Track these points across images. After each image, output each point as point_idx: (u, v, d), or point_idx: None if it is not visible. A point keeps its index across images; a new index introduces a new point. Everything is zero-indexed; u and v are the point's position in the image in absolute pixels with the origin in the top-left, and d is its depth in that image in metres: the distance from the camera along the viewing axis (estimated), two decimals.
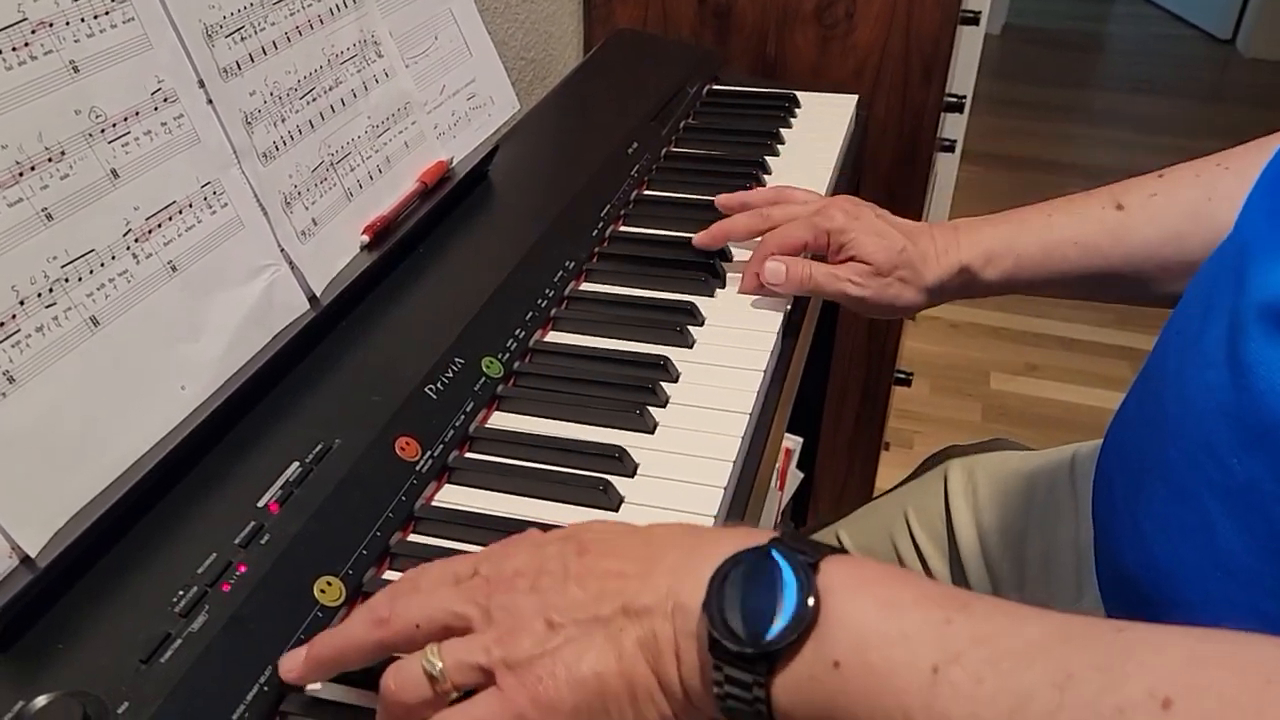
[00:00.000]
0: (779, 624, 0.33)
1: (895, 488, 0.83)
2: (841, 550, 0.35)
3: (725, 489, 0.54)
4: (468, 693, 0.38)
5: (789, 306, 0.70)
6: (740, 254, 0.75)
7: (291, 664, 0.41)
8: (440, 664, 0.37)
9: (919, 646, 0.31)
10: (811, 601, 0.33)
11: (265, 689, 0.41)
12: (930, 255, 0.66)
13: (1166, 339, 0.49)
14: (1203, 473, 0.41)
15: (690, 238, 0.76)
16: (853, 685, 0.32)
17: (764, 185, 0.87)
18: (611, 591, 0.36)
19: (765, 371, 0.64)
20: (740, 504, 0.56)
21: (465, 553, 0.43)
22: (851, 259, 0.67)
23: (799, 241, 0.68)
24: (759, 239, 0.71)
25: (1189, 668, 0.28)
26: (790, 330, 0.70)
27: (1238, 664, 0.28)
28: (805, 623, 0.32)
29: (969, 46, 1.98)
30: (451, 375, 0.58)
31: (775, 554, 0.34)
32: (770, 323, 0.68)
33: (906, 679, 0.31)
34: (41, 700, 0.38)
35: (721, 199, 0.74)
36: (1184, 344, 0.46)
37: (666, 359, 0.63)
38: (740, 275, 0.71)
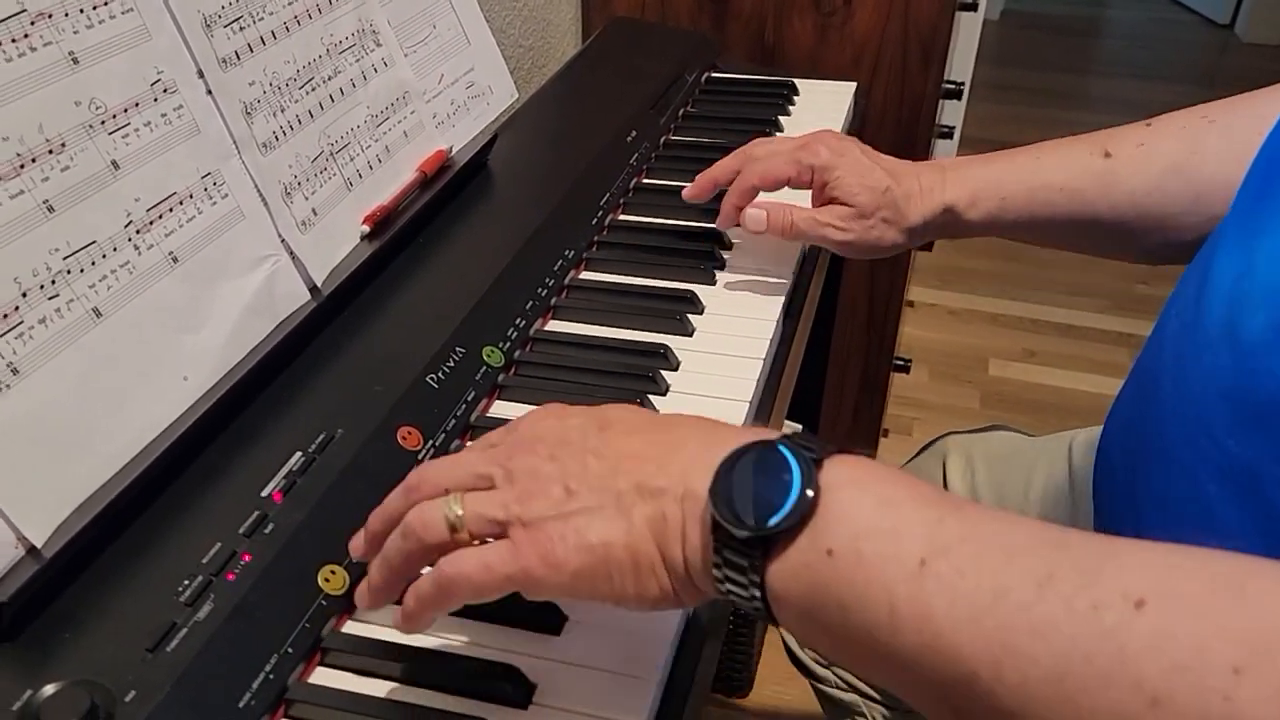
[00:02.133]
0: (778, 512, 0.34)
1: None
2: (848, 451, 0.36)
3: None
4: None
5: (788, 293, 0.71)
6: (740, 240, 0.75)
7: (355, 543, 0.44)
8: (460, 512, 0.39)
9: (909, 540, 0.32)
10: (811, 493, 0.34)
11: (271, 677, 0.42)
12: (914, 194, 0.66)
13: (1165, 321, 0.49)
14: (1201, 454, 0.42)
15: (691, 226, 0.76)
16: (844, 572, 0.33)
17: None
18: (628, 470, 0.38)
19: (765, 359, 0.64)
20: None
21: None
22: (834, 199, 0.66)
23: (781, 175, 0.67)
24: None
25: (1167, 573, 0.29)
26: (790, 317, 0.70)
27: (1214, 573, 0.28)
28: (803, 512, 0.34)
29: (967, 33, 1.98)
30: (453, 365, 0.58)
31: (782, 448, 0.35)
32: (770, 310, 0.68)
33: (895, 569, 0.32)
34: (49, 689, 0.38)
35: (688, 190, 0.73)
36: (1182, 325, 0.46)
37: (667, 347, 0.63)
38: (741, 272, 0.71)
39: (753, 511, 0.34)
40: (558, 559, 0.37)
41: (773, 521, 0.34)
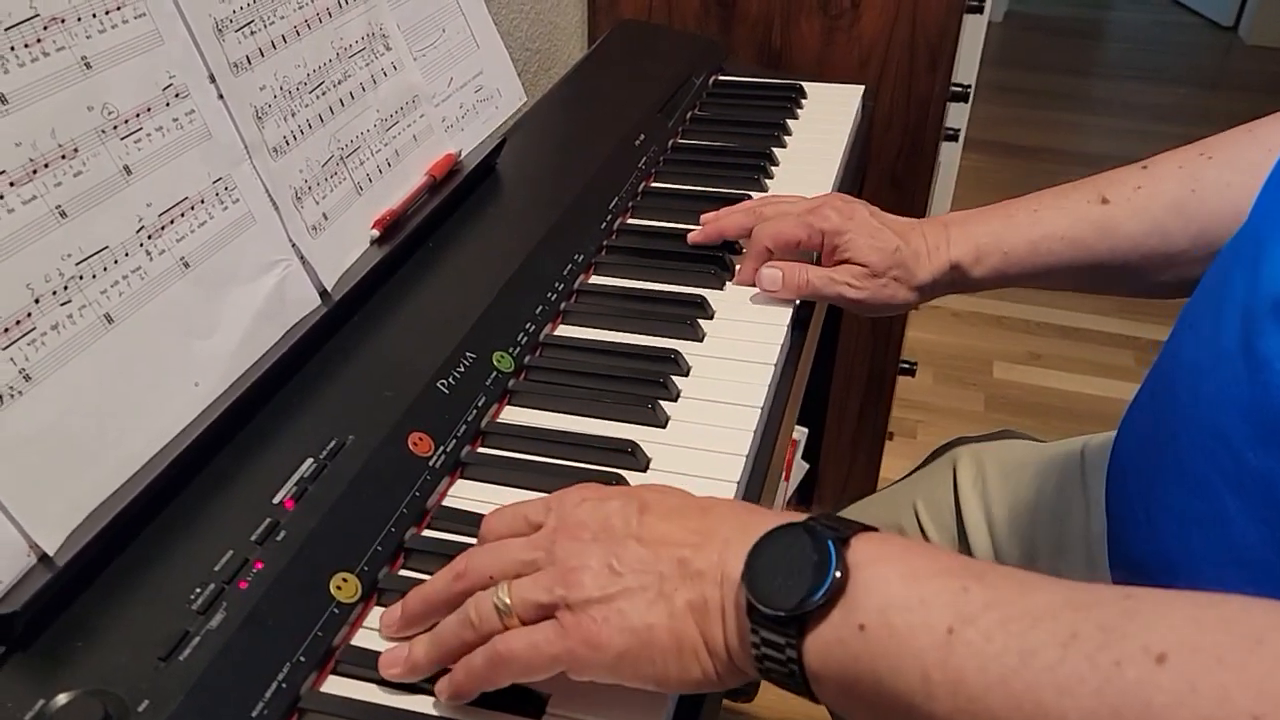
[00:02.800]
0: (810, 592, 0.35)
1: (903, 479, 0.83)
2: (872, 529, 0.38)
3: (738, 483, 0.55)
4: None
5: (798, 299, 0.70)
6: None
7: (389, 619, 0.45)
8: (508, 600, 0.40)
9: (936, 611, 0.34)
10: (840, 573, 0.36)
11: (284, 686, 0.41)
12: (922, 253, 0.67)
13: (1180, 331, 0.49)
14: (1217, 465, 0.42)
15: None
16: (876, 646, 0.34)
17: (770, 177, 0.86)
18: (670, 554, 0.40)
19: (776, 365, 0.64)
20: (752, 498, 0.56)
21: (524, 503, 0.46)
22: (845, 260, 0.67)
23: (793, 238, 0.68)
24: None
25: (1187, 627, 0.30)
26: (800, 322, 0.70)
27: (1233, 625, 0.29)
28: (834, 591, 0.35)
29: (972, 35, 1.97)
30: (463, 370, 0.58)
31: (811, 529, 0.37)
32: (780, 315, 0.68)
33: (924, 639, 0.33)
34: (62, 699, 0.38)
35: (694, 235, 0.73)
36: (1197, 337, 0.46)
37: (677, 352, 0.63)
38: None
39: (786, 593, 0.36)
40: (602, 641, 0.38)
41: (806, 601, 0.35)
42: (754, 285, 0.70)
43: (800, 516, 0.39)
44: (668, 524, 0.41)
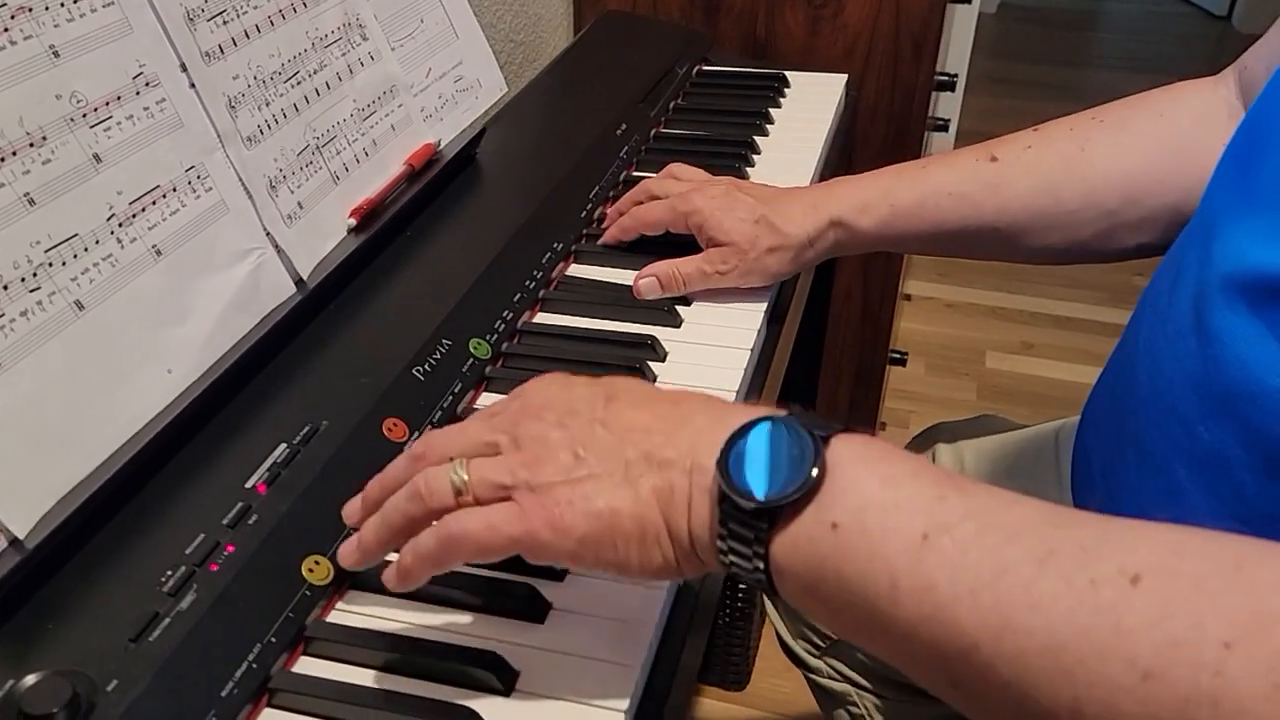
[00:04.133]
0: (786, 485, 0.34)
1: None
2: (855, 430, 0.37)
3: None
4: None
5: (777, 285, 0.71)
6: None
7: (350, 509, 0.44)
8: (466, 476, 0.39)
9: (912, 516, 0.33)
10: (816, 471, 0.34)
11: (254, 666, 0.42)
12: (795, 213, 0.66)
13: (1139, 311, 0.49)
14: (1173, 441, 0.42)
15: None
16: (847, 546, 0.33)
17: (752, 165, 0.87)
18: (636, 440, 0.39)
19: (752, 350, 0.64)
20: None
21: None
22: (711, 239, 0.67)
23: (659, 221, 0.69)
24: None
25: (1165, 551, 0.29)
26: (778, 309, 0.70)
27: (1211, 552, 0.29)
28: (810, 486, 0.34)
29: (963, 25, 1.98)
30: (439, 357, 0.59)
31: (790, 424, 0.36)
32: (757, 301, 0.68)
33: (897, 543, 0.33)
34: (31, 679, 0.38)
35: (612, 231, 0.73)
36: (1155, 315, 0.46)
37: (654, 339, 0.63)
38: None
39: (760, 484, 0.35)
40: (564, 524, 0.37)
41: (780, 494, 0.34)
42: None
43: (780, 411, 0.38)
44: (636, 411, 0.39)
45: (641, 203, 0.72)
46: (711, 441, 0.37)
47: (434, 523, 0.40)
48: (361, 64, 0.67)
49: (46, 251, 0.45)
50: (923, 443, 0.79)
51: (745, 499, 0.35)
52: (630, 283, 0.69)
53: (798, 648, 0.81)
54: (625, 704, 0.42)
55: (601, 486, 0.38)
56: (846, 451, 0.35)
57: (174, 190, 0.52)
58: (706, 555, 0.37)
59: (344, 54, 0.66)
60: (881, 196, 0.65)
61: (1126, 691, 0.27)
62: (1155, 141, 0.59)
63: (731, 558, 0.36)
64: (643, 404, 0.40)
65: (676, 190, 0.70)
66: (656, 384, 0.61)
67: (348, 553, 0.42)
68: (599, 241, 0.74)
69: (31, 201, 0.45)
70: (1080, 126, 0.62)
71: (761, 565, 0.35)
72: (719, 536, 0.36)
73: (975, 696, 0.31)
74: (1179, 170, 0.57)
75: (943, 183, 0.64)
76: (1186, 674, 0.27)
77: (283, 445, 0.50)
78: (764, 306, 0.68)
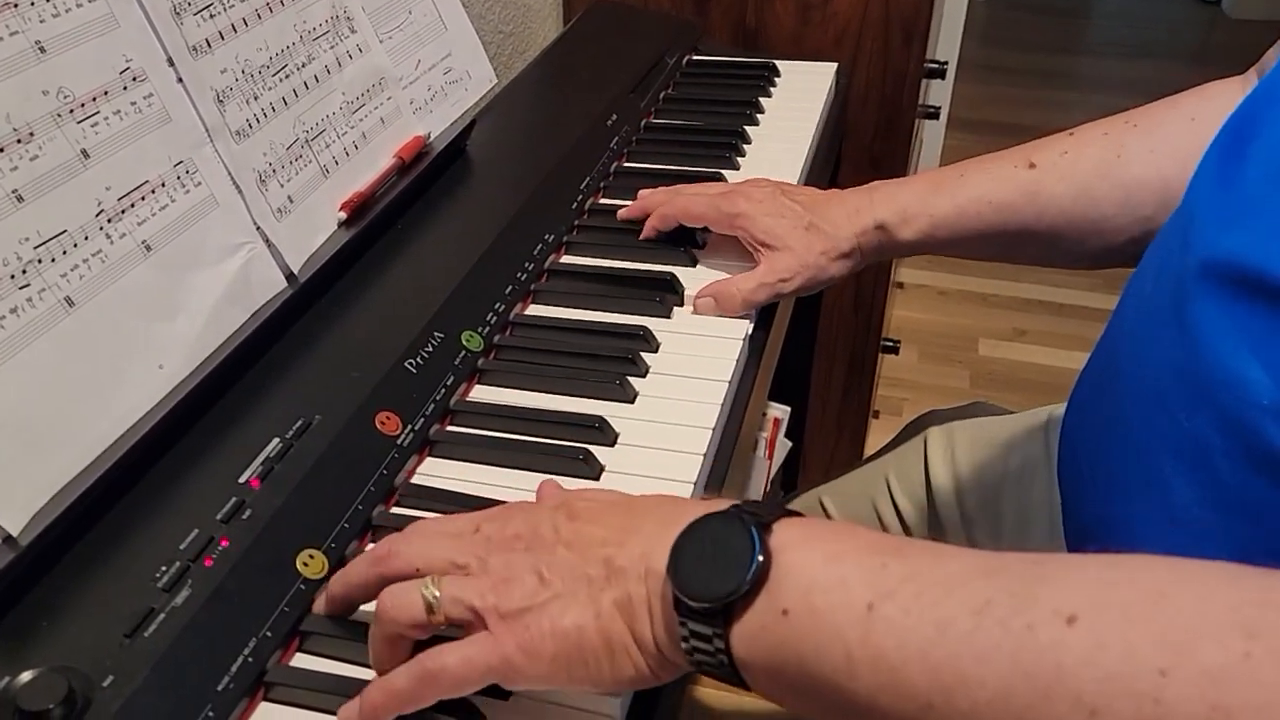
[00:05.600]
0: (733, 581, 0.35)
1: (877, 454, 0.84)
2: (795, 514, 0.38)
3: (705, 456, 0.55)
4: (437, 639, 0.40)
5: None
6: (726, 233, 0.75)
7: (319, 603, 0.45)
8: (438, 594, 0.39)
9: (856, 589, 0.34)
10: (762, 559, 0.35)
11: (250, 660, 0.42)
12: (840, 218, 0.66)
13: (1124, 298, 0.50)
14: (1156, 429, 0.42)
15: None
16: (800, 629, 0.34)
17: (742, 155, 0.87)
18: (596, 556, 0.39)
19: (744, 339, 0.64)
20: (721, 471, 0.57)
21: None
22: (764, 245, 0.67)
23: (700, 216, 0.69)
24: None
25: (1095, 587, 0.30)
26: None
27: (1137, 581, 0.30)
28: (757, 577, 0.35)
29: (953, 12, 1.97)
30: (431, 350, 0.59)
31: (733, 518, 0.37)
32: None
33: (845, 617, 0.33)
34: (26, 676, 0.38)
35: (622, 212, 0.74)
36: (1139, 304, 0.46)
37: (646, 329, 0.63)
38: (720, 254, 0.71)
39: (710, 583, 0.36)
40: (534, 646, 0.38)
41: (730, 590, 0.35)
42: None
43: (724, 504, 0.39)
44: (593, 526, 0.40)
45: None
46: (661, 545, 0.38)
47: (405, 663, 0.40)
48: (350, 57, 0.67)
49: (35, 248, 0.45)
50: (913, 430, 0.79)
51: (696, 600, 0.36)
52: (623, 271, 0.70)
53: None
54: (619, 700, 0.42)
55: (566, 606, 0.38)
56: (789, 536, 0.36)
57: (163, 185, 0.52)
58: (673, 656, 0.38)
59: (332, 47, 0.66)
60: (921, 206, 0.66)
61: None
62: (1188, 146, 0.59)
63: (697, 656, 0.37)
64: (600, 517, 0.41)
65: (712, 190, 0.70)
66: (648, 376, 0.61)
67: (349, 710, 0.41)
68: (618, 216, 0.74)
69: (20, 198, 0.44)
70: (1114, 131, 0.63)
71: (726, 660, 0.36)
72: (681, 637, 0.37)
73: None
74: None
75: (981, 191, 0.64)
76: (1129, 705, 0.27)
77: (276, 440, 0.50)
78: None
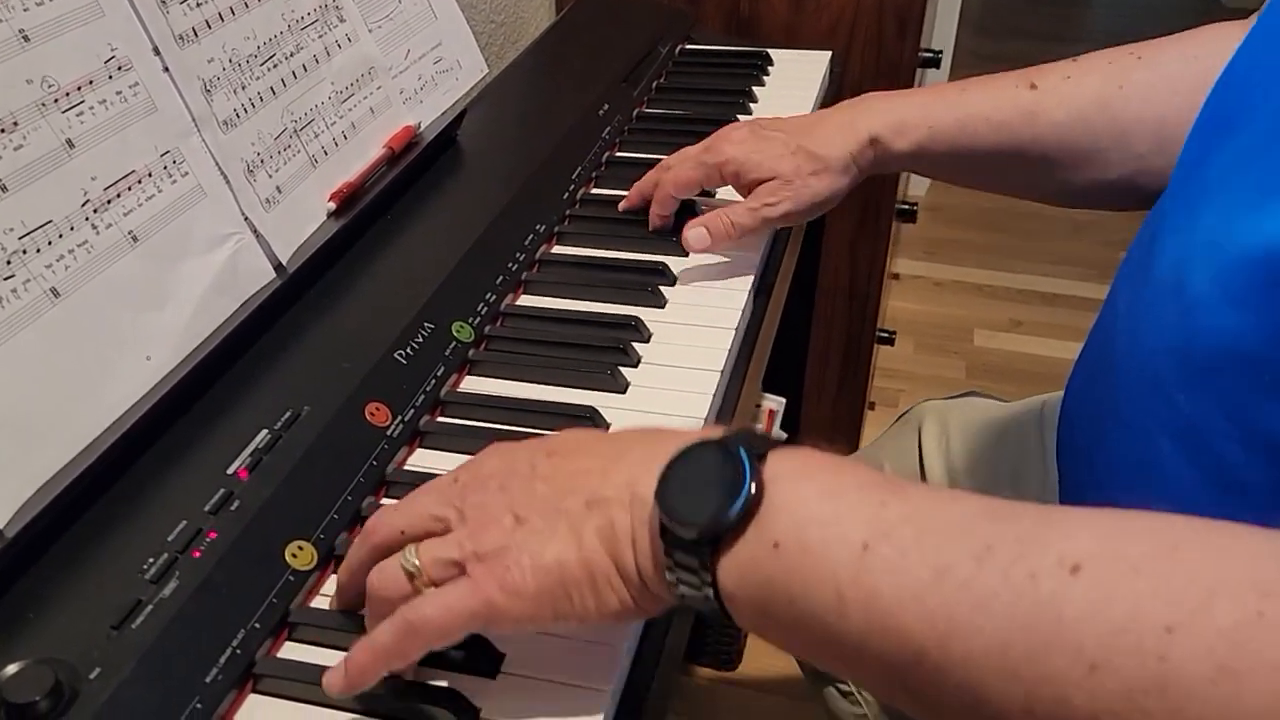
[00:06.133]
0: (723, 509, 0.34)
1: (872, 443, 0.84)
2: (792, 445, 0.36)
3: None
4: None
5: (761, 262, 0.70)
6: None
7: (334, 601, 0.45)
8: (417, 561, 0.39)
9: (852, 526, 0.32)
10: (754, 488, 0.34)
11: (238, 652, 0.42)
12: (831, 134, 0.65)
13: (1119, 282, 0.49)
14: (1153, 413, 0.42)
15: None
16: (790, 563, 0.33)
17: None
18: (575, 487, 0.38)
19: (737, 330, 0.64)
20: None
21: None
22: (754, 181, 0.66)
23: (690, 179, 0.68)
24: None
25: (1101, 538, 0.29)
26: (763, 287, 0.70)
27: (1148, 536, 0.29)
28: (747, 507, 0.34)
29: (948, 1, 1.97)
30: (421, 340, 0.58)
31: (725, 446, 0.36)
32: (742, 280, 0.68)
33: (838, 555, 0.32)
34: (12, 668, 0.38)
35: (624, 203, 0.73)
36: (1133, 285, 0.46)
37: (638, 319, 0.63)
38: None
39: (698, 511, 0.34)
40: (516, 585, 0.37)
41: (719, 519, 0.34)
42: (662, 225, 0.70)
43: (717, 432, 0.37)
44: (573, 460, 0.39)
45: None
46: (648, 472, 0.36)
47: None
48: (339, 46, 0.67)
49: (20, 239, 0.45)
50: (909, 419, 0.79)
51: (684, 527, 0.34)
52: (614, 261, 0.69)
53: None
54: (612, 684, 0.42)
55: (547, 540, 0.37)
56: (783, 467, 0.35)
57: (149, 175, 0.51)
58: (658, 588, 0.37)
59: (321, 36, 0.65)
60: (921, 117, 0.64)
61: (1075, 685, 0.27)
62: (1186, 85, 0.59)
63: (682, 588, 0.36)
64: (580, 450, 0.40)
65: (694, 150, 0.69)
66: (640, 366, 0.60)
67: (334, 681, 0.40)
68: (620, 208, 0.73)
69: (3, 188, 0.44)
70: (1118, 61, 0.62)
71: (712, 593, 0.35)
72: (666, 568, 0.36)
73: (932, 705, 0.31)
74: None
75: (982, 107, 0.63)
76: (1132, 662, 0.26)
77: (264, 431, 0.50)
78: (749, 286, 0.68)
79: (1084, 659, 0.27)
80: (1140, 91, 0.59)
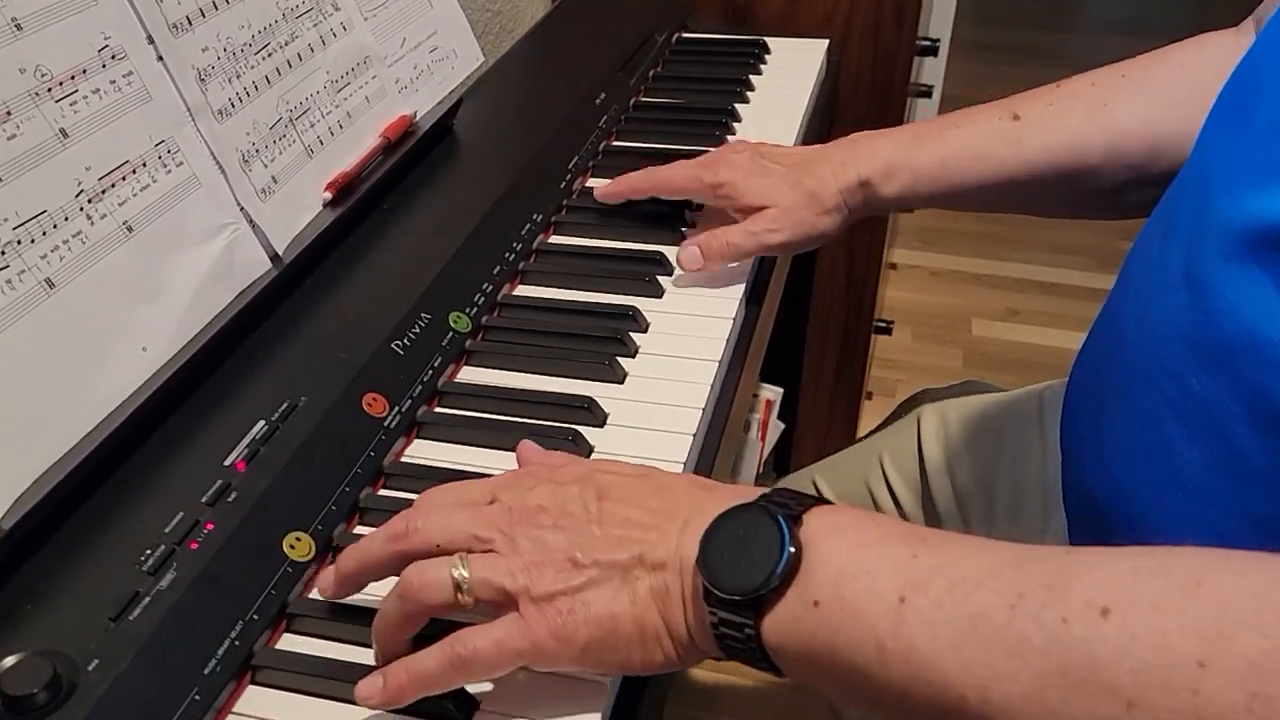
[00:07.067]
0: (763, 574, 0.35)
1: (871, 433, 0.84)
2: (824, 502, 0.38)
3: (694, 436, 0.55)
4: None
5: (759, 255, 0.70)
6: (710, 202, 0.74)
7: (324, 582, 0.43)
8: (467, 575, 0.39)
9: (886, 579, 0.34)
10: (793, 550, 0.35)
11: (237, 643, 0.42)
12: (826, 175, 0.66)
13: (1128, 264, 0.49)
14: (1162, 394, 0.42)
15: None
16: (831, 620, 0.34)
17: (732, 133, 0.86)
18: (631, 540, 0.39)
19: (734, 320, 0.64)
20: (710, 451, 0.56)
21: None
22: (749, 206, 0.66)
23: (679, 185, 0.68)
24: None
25: (1126, 578, 0.30)
26: (760, 278, 0.70)
27: (1170, 571, 0.30)
28: (788, 570, 0.35)
29: None
30: (418, 331, 0.58)
31: (762, 510, 0.37)
32: (740, 270, 0.68)
33: (876, 609, 0.34)
34: (10, 660, 0.38)
35: (617, 185, 0.72)
36: (1144, 268, 0.46)
37: (635, 309, 0.63)
38: (711, 228, 0.71)
39: (741, 578, 0.36)
40: (568, 633, 0.38)
41: (761, 582, 0.35)
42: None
43: (755, 493, 0.39)
44: (626, 509, 0.40)
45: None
46: (694, 538, 0.38)
47: (435, 644, 0.39)
48: (334, 35, 0.66)
49: (14, 229, 0.44)
50: (906, 409, 0.79)
51: (726, 592, 0.36)
52: (612, 251, 0.69)
53: None
54: (608, 678, 0.42)
55: (601, 593, 0.38)
56: (818, 526, 0.36)
57: (144, 165, 0.51)
58: (705, 645, 0.38)
59: (316, 25, 0.65)
60: (904, 160, 0.65)
61: None
62: (1177, 94, 0.59)
63: (729, 643, 0.37)
64: (631, 500, 0.41)
65: (691, 161, 0.69)
66: (638, 356, 0.60)
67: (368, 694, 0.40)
68: (596, 194, 0.72)
69: None
70: (1102, 81, 0.62)
71: (757, 647, 0.36)
72: (712, 625, 0.37)
73: None
74: (1201, 123, 0.57)
75: (964, 145, 0.64)
76: (1166, 697, 0.27)
77: (261, 422, 0.50)
78: (747, 276, 0.68)
79: (1120, 697, 0.28)
80: (1127, 105, 0.60)
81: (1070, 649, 0.29)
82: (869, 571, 0.34)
